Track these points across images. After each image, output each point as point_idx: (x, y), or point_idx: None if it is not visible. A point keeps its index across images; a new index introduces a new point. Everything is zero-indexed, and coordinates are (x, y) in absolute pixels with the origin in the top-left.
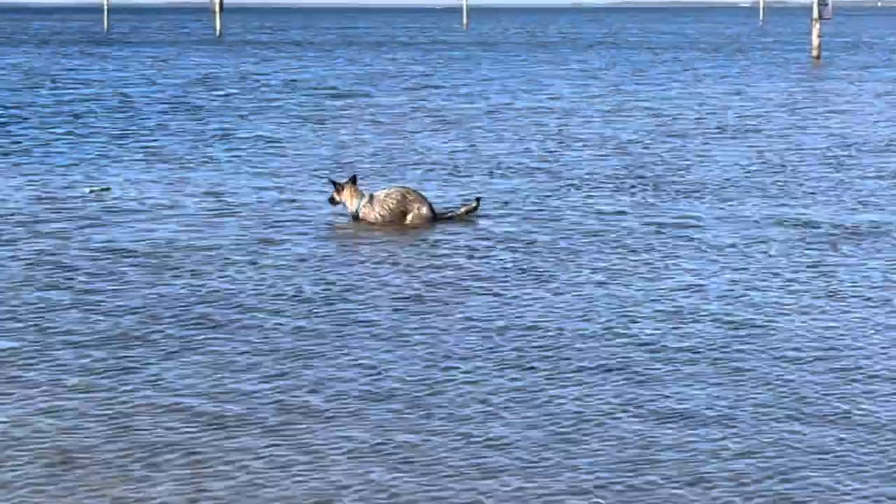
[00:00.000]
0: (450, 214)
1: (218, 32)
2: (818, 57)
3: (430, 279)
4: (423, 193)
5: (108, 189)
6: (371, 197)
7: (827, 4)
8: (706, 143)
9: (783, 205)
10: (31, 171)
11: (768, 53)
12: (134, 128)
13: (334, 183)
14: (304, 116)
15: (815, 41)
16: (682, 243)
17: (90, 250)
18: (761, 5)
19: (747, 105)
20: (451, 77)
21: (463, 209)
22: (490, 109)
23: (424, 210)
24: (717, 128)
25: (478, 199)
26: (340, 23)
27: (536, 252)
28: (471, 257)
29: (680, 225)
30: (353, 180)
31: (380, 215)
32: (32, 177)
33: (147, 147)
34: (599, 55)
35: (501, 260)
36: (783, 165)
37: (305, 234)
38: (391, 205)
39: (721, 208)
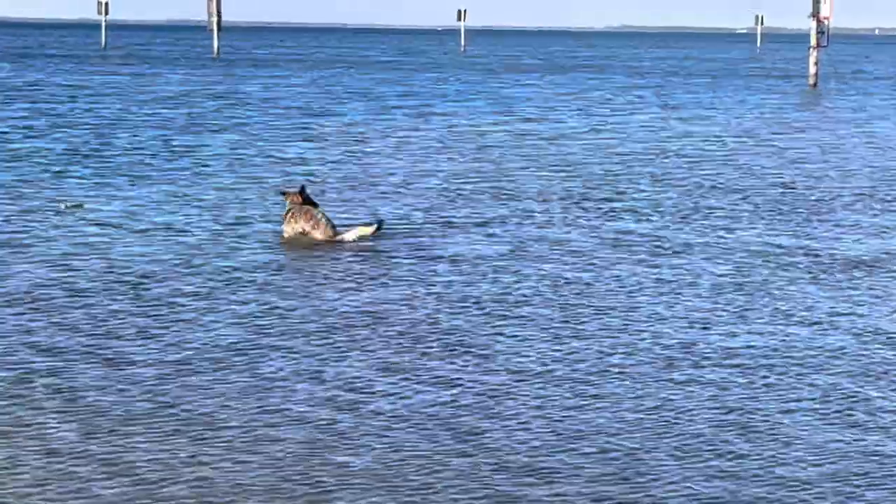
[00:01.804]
0: (349, 236)
1: (215, 52)
2: (815, 84)
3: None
4: (325, 213)
5: (80, 205)
6: (289, 210)
7: (824, 32)
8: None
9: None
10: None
11: (760, 80)
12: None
13: (283, 192)
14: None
15: (812, 68)
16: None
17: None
18: (758, 32)
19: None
20: (423, 97)
21: (360, 230)
22: (441, 129)
23: (319, 234)
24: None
25: (380, 222)
26: (343, 42)
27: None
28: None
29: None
30: (302, 190)
31: (287, 231)
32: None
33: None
34: (574, 79)
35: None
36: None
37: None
38: (294, 223)
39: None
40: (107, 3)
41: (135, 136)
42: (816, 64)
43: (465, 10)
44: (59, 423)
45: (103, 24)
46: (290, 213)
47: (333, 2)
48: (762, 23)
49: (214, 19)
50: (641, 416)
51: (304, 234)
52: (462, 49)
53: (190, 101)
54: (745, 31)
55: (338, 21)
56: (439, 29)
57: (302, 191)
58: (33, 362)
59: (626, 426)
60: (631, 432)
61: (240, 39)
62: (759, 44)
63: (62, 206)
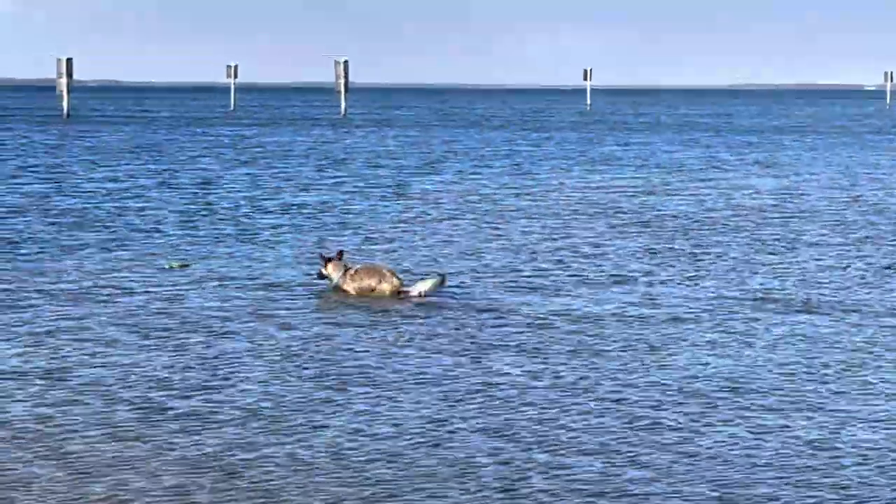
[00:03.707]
0: (415, 292)
1: (343, 112)
2: None
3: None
4: (391, 269)
5: (187, 265)
6: (346, 270)
7: None
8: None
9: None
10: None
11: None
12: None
13: (322, 257)
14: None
15: None
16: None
17: None
18: (888, 89)
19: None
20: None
21: (429, 284)
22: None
23: (386, 286)
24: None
25: (443, 276)
26: (460, 103)
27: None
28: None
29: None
30: (340, 255)
31: (352, 288)
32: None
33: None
34: (677, 138)
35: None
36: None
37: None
38: (358, 279)
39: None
40: (236, 67)
41: (273, 197)
42: None
43: (590, 70)
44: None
45: (233, 86)
46: (352, 272)
47: (466, 63)
48: (892, 79)
49: (342, 81)
50: None
51: (371, 289)
52: (588, 107)
53: (314, 158)
54: (873, 88)
55: (467, 82)
56: (567, 89)
57: (340, 255)
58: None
59: None
60: None
61: (364, 100)
62: (888, 100)
63: (168, 265)
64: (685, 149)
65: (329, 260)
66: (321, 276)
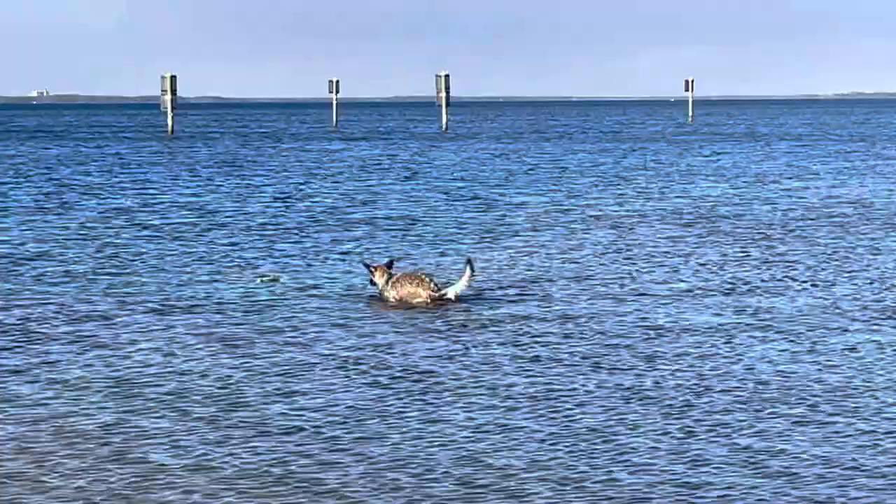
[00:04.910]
0: (451, 294)
1: (444, 127)
2: None
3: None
4: (429, 275)
5: (277, 279)
6: (389, 278)
7: None
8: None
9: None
10: None
11: None
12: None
13: (367, 266)
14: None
15: None
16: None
17: None
18: None
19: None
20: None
21: (462, 284)
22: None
23: (423, 292)
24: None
25: (469, 262)
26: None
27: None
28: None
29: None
30: (390, 264)
31: (392, 296)
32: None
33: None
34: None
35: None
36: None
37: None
38: (398, 287)
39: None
40: (337, 82)
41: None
42: None
43: (692, 80)
44: None
45: (334, 102)
46: (393, 280)
47: (566, 76)
48: None
49: (443, 95)
50: None
51: (410, 296)
52: (690, 119)
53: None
54: None
55: (565, 94)
56: (671, 100)
57: (389, 265)
58: None
59: None
60: None
61: (465, 114)
62: None
63: (259, 280)
64: (786, 158)
65: (377, 268)
66: (372, 284)
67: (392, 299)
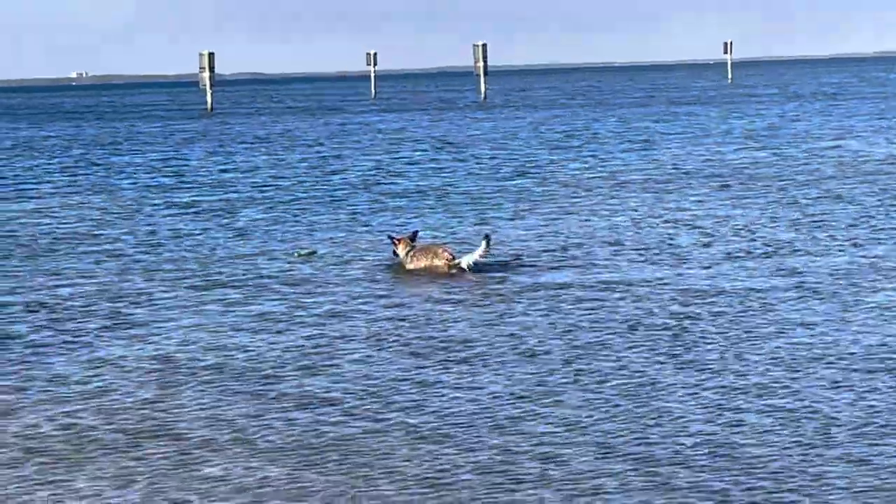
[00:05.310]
0: (464, 264)
1: (483, 96)
2: None
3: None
4: (444, 245)
5: (314, 252)
6: (409, 250)
7: None
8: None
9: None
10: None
11: None
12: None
13: (391, 238)
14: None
15: None
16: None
17: None
18: None
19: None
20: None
21: (476, 253)
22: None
23: (439, 262)
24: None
25: (486, 237)
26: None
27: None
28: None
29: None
30: (413, 237)
31: (411, 267)
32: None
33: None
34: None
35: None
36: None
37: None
38: (416, 259)
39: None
40: (375, 54)
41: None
42: None
43: (731, 42)
44: None
45: (372, 74)
46: (412, 253)
47: (598, 41)
48: None
49: (481, 64)
50: None
51: (427, 267)
52: (730, 80)
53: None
54: None
55: (603, 60)
56: (711, 62)
57: (413, 237)
58: None
59: None
60: None
61: (503, 84)
62: None
63: (296, 254)
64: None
65: (400, 240)
66: (395, 255)
67: (410, 267)
